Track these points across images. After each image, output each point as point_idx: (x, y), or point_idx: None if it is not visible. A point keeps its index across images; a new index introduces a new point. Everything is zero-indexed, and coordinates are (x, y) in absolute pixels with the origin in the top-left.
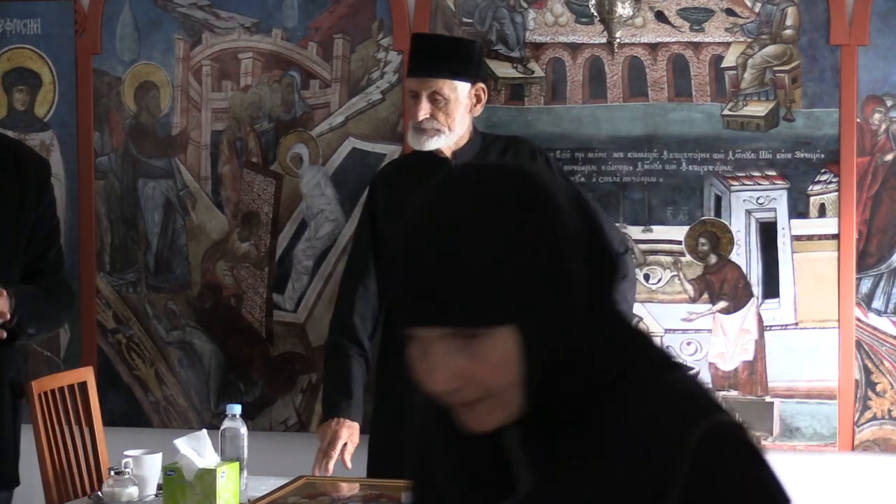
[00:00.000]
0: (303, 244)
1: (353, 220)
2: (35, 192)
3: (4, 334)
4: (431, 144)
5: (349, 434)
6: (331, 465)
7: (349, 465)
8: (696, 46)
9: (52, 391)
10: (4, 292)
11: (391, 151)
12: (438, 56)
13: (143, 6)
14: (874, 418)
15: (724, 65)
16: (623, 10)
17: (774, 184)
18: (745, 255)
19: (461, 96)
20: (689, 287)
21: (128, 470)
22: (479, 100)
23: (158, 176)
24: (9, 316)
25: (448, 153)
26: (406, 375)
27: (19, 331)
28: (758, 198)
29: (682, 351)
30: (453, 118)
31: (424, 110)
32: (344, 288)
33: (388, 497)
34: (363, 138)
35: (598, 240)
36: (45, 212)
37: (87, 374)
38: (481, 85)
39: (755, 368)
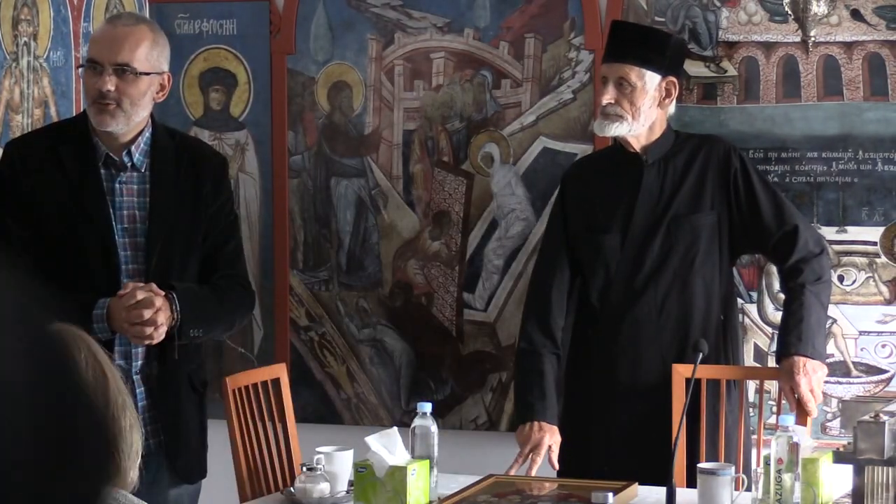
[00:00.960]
0: (493, 243)
1: (544, 220)
2: (211, 188)
3: (155, 339)
4: (613, 130)
5: (551, 437)
6: (534, 471)
7: (557, 465)
8: (893, 45)
9: (246, 387)
10: (157, 301)
11: (582, 151)
12: (630, 43)
13: (336, 6)
14: None
15: None
16: (818, 8)
17: None
18: None
19: (649, 86)
20: (884, 289)
21: (319, 466)
22: (668, 94)
23: (351, 175)
24: (158, 324)
25: (638, 148)
26: (594, 374)
27: (181, 333)
28: None
29: (877, 353)
30: (638, 107)
31: (609, 94)
32: (535, 285)
33: (577, 497)
34: (554, 138)
35: None
36: (221, 207)
37: (281, 371)
38: (672, 79)
39: None
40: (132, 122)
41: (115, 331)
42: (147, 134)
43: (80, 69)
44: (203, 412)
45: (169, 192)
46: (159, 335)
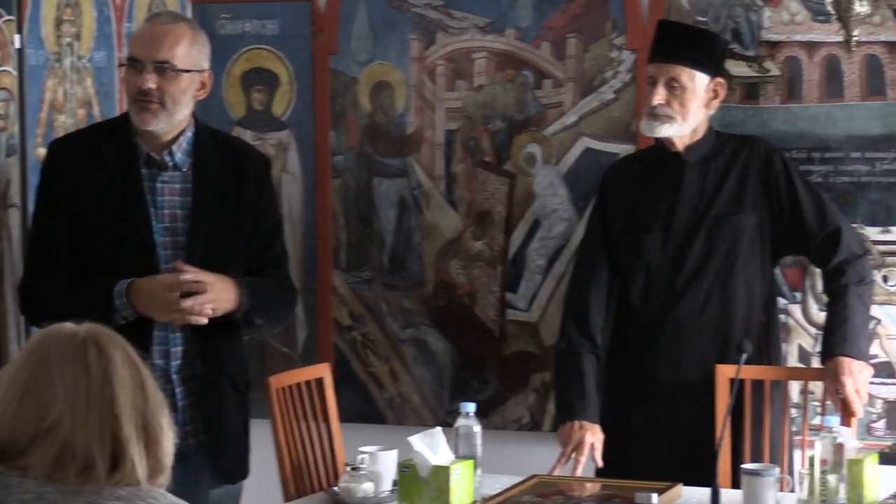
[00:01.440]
0: (536, 243)
1: (587, 220)
2: (253, 188)
3: (204, 319)
4: (662, 131)
5: (592, 435)
6: (579, 470)
7: (600, 463)
8: None
9: (290, 387)
10: (208, 280)
11: (624, 151)
12: (680, 43)
13: (378, 6)
14: None
15: None
16: (861, 7)
17: None
18: None
19: (699, 87)
20: None
21: (363, 466)
22: (716, 95)
23: (393, 175)
24: (210, 312)
25: (681, 147)
26: (633, 374)
27: (248, 320)
28: None
29: None
30: (688, 108)
31: (660, 95)
32: (575, 285)
33: (621, 497)
34: (596, 138)
35: None
36: (265, 207)
37: (324, 371)
38: (721, 80)
39: None
40: (174, 121)
41: (143, 312)
42: (189, 133)
43: (121, 68)
44: (246, 412)
45: (211, 191)
46: (204, 318)
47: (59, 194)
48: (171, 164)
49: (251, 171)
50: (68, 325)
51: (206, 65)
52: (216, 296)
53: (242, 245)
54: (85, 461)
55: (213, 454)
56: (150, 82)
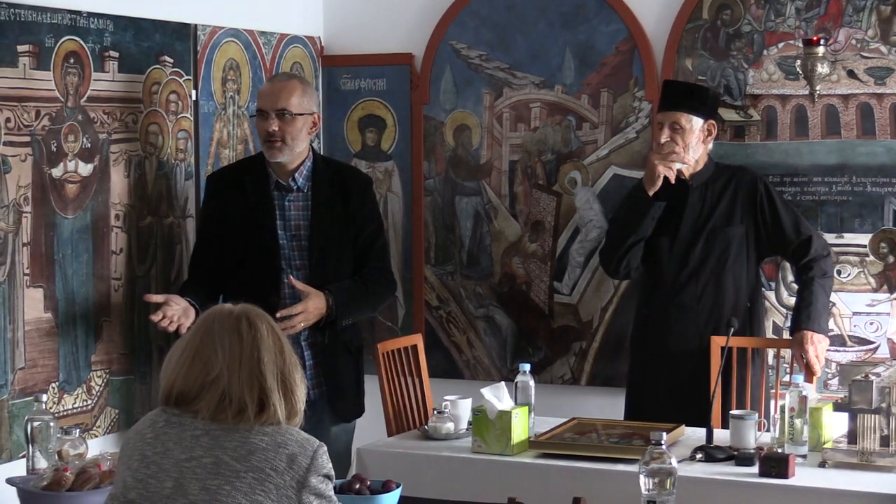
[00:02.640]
0: (576, 245)
1: None
2: (357, 199)
3: (296, 330)
4: (674, 166)
5: None
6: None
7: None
8: (879, 97)
9: (392, 351)
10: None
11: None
12: (679, 96)
13: (460, 69)
14: None
15: None
16: (822, 69)
17: None
18: None
19: (695, 128)
20: (872, 280)
21: (446, 410)
22: (709, 133)
23: (470, 194)
24: (301, 328)
25: (687, 174)
26: (649, 345)
27: (335, 324)
28: None
29: (866, 329)
30: (687, 143)
31: (665, 135)
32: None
33: (639, 435)
34: (622, 166)
35: None
36: (368, 214)
37: (418, 339)
38: (712, 122)
39: None
40: (295, 153)
41: None
42: (308, 163)
43: (252, 118)
44: (359, 369)
45: (325, 206)
46: (298, 328)
47: (212, 213)
48: (294, 187)
49: (355, 187)
50: (227, 305)
51: (315, 109)
52: (307, 316)
53: (350, 245)
54: (239, 406)
55: (331, 401)
56: (274, 126)
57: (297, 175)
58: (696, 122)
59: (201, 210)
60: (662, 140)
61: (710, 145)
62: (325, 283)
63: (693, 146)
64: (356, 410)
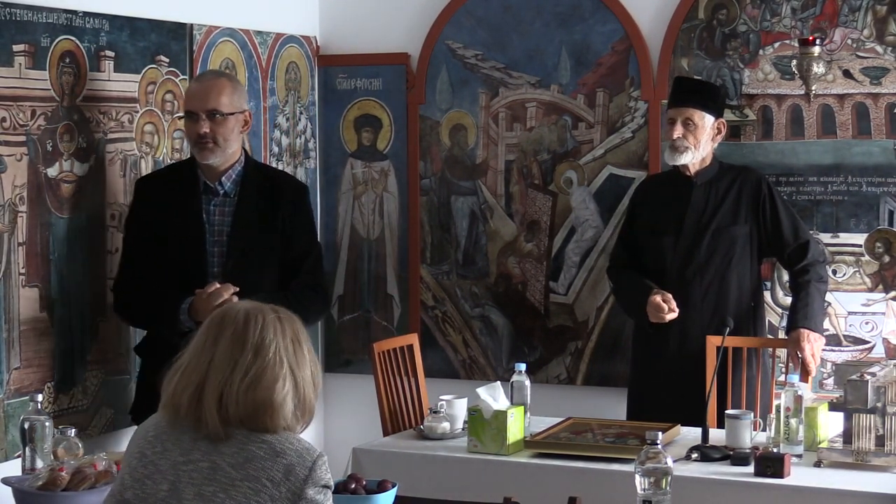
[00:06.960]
0: (572, 245)
1: (611, 227)
2: (288, 208)
3: None
4: (681, 159)
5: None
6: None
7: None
8: (875, 96)
9: (388, 351)
10: (226, 294)
11: (638, 177)
12: (692, 91)
13: (455, 69)
14: None
15: None
16: (818, 69)
17: None
18: None
19: (706, 125)
20: (867, 280)
21: (442, 410)
22: (719, 131)
23: (466, 193)
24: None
25: (693, 172)
26: (652, 344)
27: None
28: None
29: (862, 328)
30: (698, 140)
31: (678, 131)
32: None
33: (634, 434)
34: (617, 166)
35: None
36: (299, 224)
37: (413, 339)
38: (722, 120)
39: None
40: (227, 154)
41: (198, 320)
42: (238, 167)
43: (181, 119)
44: None
45: (250, 212)
46: None
47: (139, 220)
48: (221, 191)
49: (287, 196)
50: (237, 303)
51: (245, 106)
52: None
53: (276, 254)
54: (239, 411)
55: None
56: (205, 128)
57: (224, 179)
58: (708, 120)
59: (126, 217)
60: (675, 136)
61: (718, 142)
62: (244, 293)
63: (703, 143)
64: None
